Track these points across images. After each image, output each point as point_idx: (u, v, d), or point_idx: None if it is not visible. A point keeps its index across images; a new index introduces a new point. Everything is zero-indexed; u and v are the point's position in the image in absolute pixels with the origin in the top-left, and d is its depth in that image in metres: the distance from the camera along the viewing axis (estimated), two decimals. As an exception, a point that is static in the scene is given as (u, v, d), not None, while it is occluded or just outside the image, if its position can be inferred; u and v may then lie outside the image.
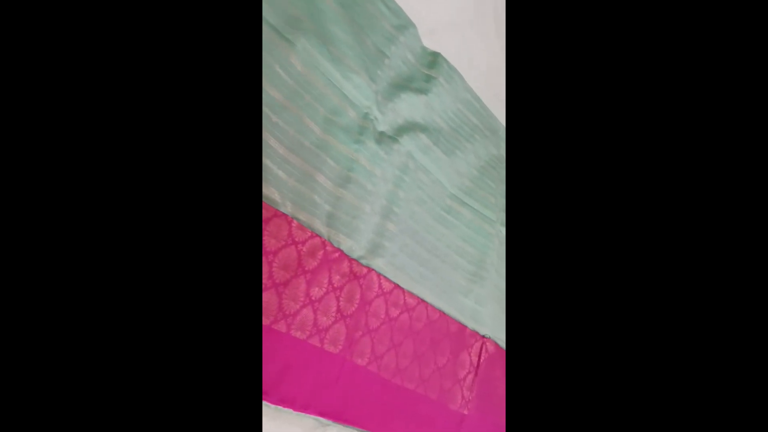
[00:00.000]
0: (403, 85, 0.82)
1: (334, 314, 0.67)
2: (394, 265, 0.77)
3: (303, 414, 0.62)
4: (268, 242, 0.61)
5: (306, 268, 0.64)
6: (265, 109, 0.62)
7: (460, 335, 0.87)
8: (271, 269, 0.61)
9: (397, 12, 0.84)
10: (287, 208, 0.64)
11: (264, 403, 0.58)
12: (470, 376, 0.87)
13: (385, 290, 0.75)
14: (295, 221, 0.64)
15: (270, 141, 0.63)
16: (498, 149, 1.02)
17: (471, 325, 0.90)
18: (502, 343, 0.96)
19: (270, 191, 0.62)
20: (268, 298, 0.60)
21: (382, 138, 0.78)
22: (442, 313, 0.84)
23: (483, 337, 0.91)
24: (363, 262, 0.72)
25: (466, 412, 0.85)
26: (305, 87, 0.68)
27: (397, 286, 0.77)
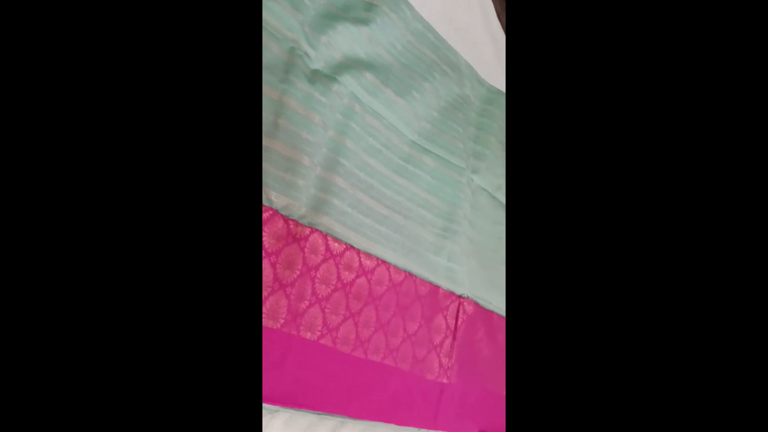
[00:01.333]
0: (337, 14, 0.70)
1: (270, 284, 0.57)
2: (345, 224, 0.67)
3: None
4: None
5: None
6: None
7: (433, 297, 0.77)
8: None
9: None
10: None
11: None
12: (448, 341, 0.78)
13: (334, 252, 0.65)
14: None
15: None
16: (461, 88, 0.91)
17: (445, 284, 0.80)
18: (483, 303, 0.87)
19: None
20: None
21: (316, 77, 0.66)
22: (409, 275, 0.74)
23: (459, 297, 0.82)
24: (304, 222, 0.62)
25: (446, 380, 0.76)
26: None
27: (349, 247, 0.67)
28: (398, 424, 0.70)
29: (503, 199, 0.97)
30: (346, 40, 0.71)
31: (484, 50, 1.00)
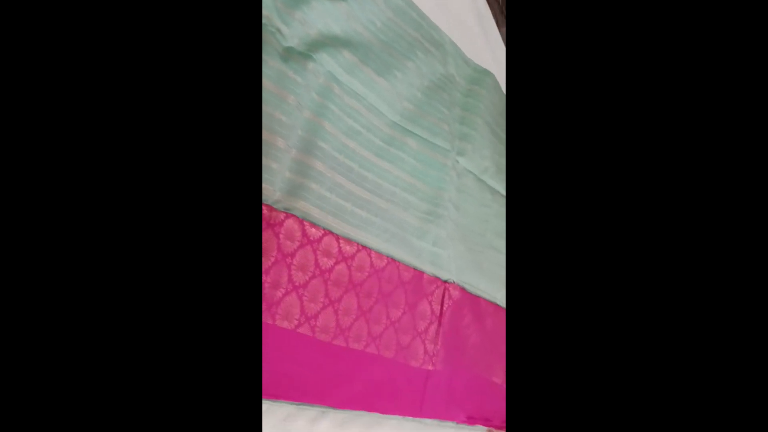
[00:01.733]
0: (311, -11, 0.67)
1: (243, 272, 0.55)
2: (323, 209, 0.64)
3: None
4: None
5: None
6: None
7: (417, 283, 0.75)
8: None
9: None
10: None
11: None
12: (433, 327, 0.76)
13: (311, 238, 0.62)
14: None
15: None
16: (445, 67, 0.88)
17: (430, 270, 0.78)
18: (470, 288, 0.85)
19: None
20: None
21: (289, 55, 0.63)
22: (392, 260, 0.72)
23: (445, 282, 0.80)
24: (279, 206, 0.60)
25: (431, 367, 0.75)
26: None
27: (327, 232, 0.64)
28: (382, 413, 0.68)
29: (490, 182, 0.95)
30: (322, 16, 0.68)
31: (470, 28, 0.97)
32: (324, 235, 0.64)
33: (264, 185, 0.58)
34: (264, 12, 0.61)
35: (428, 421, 0.74)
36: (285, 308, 0.58)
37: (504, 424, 0.85)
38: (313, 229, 0.63)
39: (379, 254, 0.71)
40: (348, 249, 0.67)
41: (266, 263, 0.57)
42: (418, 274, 0.76)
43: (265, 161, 0.59)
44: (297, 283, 0.60)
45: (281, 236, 0.59)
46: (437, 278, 0.79)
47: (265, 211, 0.58)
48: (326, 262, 0.64)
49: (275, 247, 0.58)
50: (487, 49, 0.99)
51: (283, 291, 0.58)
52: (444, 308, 0.78)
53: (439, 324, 0.77)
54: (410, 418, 0.72)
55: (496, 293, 0.92)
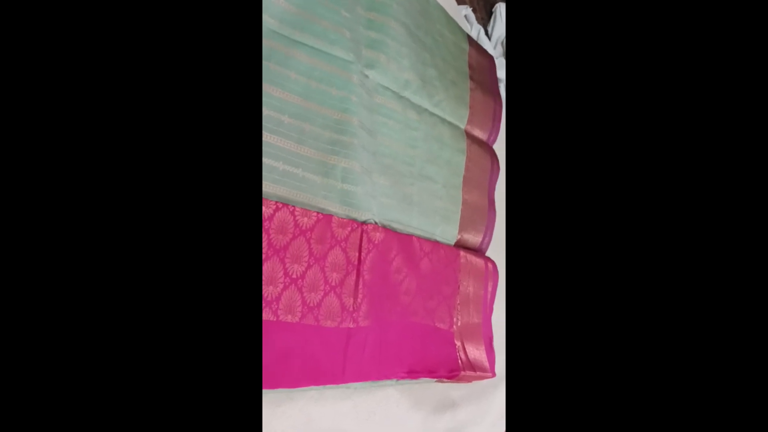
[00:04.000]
0: None
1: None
2: None
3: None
4: None
5: None
6: None
7: (324, 228, 0.62)
8: None
9: None
10: None
11: None
12: (351, 279, 0.64)
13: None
14: None
15: None
16: None
17: (341, 212, 0.65)
18: (399, 226, 0.73)
19: None
20: None
21: None
22: (284, 205, 0.58)
23: (362, 224, 0.66)
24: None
25: (352, 325, 0.63)
26: None
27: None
28: (292, 387, 0.57)
29: (414, 99, 0.79)
30: None
31: None
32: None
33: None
34: None
35: (356, 385, 0.64)
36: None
37: (453, 373, 0.76)
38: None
39: (267, 200, 0.57)
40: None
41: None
42: (325, 217, 0.62)
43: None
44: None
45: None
46: (352, 220, 0.66)
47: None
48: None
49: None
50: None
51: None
52: (363, 255, 0.66)
53: (358, 274, 0.65)
54: (331, 386, 0.61)
55: (434, 228, 0.80)
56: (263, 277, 0.55)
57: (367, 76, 0.71)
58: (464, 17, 1.36)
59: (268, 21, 0.61)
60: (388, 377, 0.68)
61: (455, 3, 1.19)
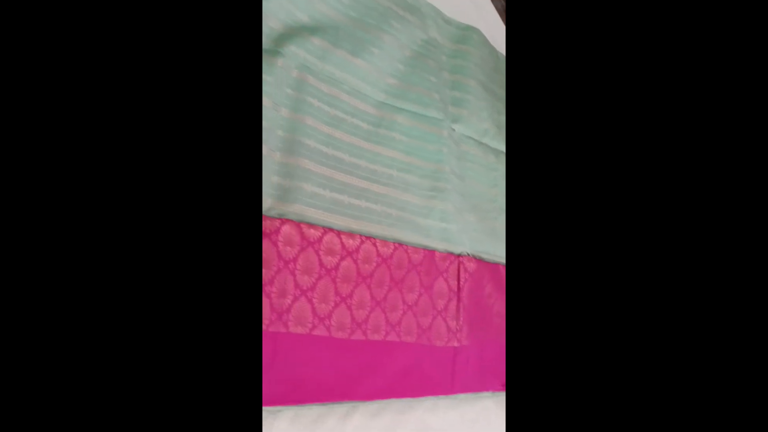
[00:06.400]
0: (265, -21, 0.63)
1: (246, 287, 0.54)
2: (319, 207, 0.63)
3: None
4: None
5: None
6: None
7: (429, 262, 0.74)
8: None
9: None
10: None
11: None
12: (453, 304, 0.75)
13: (311, 240, 0.61)
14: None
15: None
16: (425, 31, 0.83)
17: (441, 247, 0.76)
18: (487, 257, 0.83)
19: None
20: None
21: (254, 55, 0.61)
22: (399, 245, 0.71)
23: (459, 256, 0.78)
24: (272, 213, 0.58)
25: (456, 344, 0.74)
26: None
27: (327, 230, 0.63)
28: (413, 397, 0.68)
29: (492, 144, 0.91)
30: (283, 5, 0.64)
31: (446, -17, 0.91)
32: (324, 233, 0.63)
33: (253, 195, 0.57)
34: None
35: (462, 396, 0.74)
36: (296, 314, 0.58)
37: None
38: (312, 230, 0.61)
39: (385, 241, 0.69)
40: (351, 243, 0.65)
41: (269, 273, 0.57)
42: (429, 253, 0.74)
43: (251, 170, 0.58)
44: (304, 287, 0.59)
45: (280, 243, 0.58)
46: (450, 254, 0.77)
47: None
48: (330, 261, 0.63)
49: (275, 255, 0.57)
50: (469, 4, 0.93)
51: (291, 298, 0.58)
52: (461, 283, 0.77)
53: (459, 299, 0.76)
54: (443, 396, 0.72)
55: (516, 256, 0.90)
56: (387, 305, 0.67)
57: (454, 130, 0.83)
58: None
59: (376, 94, 0.74)
60: (486, 389, 0.78)
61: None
